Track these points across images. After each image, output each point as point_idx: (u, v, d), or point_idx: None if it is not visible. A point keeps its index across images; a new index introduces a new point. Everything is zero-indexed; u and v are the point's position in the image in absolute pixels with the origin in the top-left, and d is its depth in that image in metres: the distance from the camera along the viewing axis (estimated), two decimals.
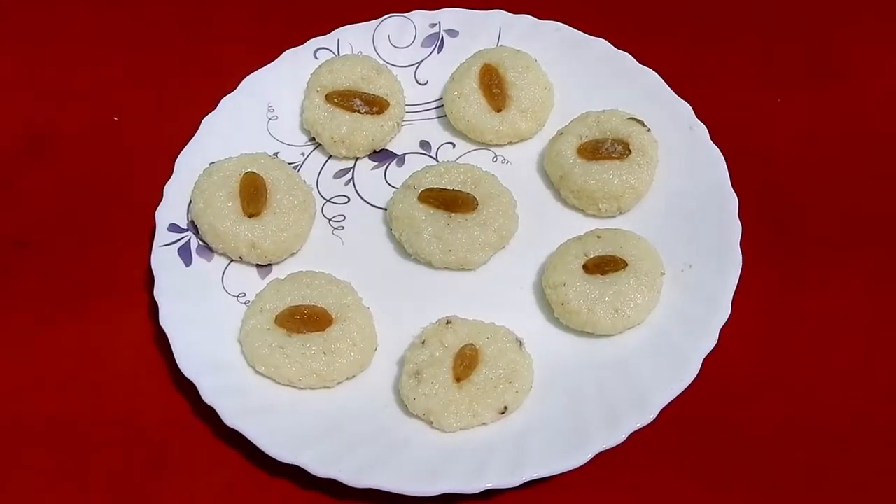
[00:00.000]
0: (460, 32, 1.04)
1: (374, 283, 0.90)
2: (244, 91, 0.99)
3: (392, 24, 1.04)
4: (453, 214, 0.90)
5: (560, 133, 0.95)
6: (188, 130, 0.96)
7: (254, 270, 0.92)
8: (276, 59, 1.01)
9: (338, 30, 1.03)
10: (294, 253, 0.92)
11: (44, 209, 0.98)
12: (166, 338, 0.84)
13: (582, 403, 0.80)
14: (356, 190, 0.97)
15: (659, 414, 0.78)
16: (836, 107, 1.02)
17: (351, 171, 0.98)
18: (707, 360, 0.81)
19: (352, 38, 1.03)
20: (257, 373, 0.84)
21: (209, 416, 0.82)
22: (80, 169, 1.01)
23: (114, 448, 0.84)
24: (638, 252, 0.86)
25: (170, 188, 0.93)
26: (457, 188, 0.92)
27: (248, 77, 1.00)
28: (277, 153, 0.98)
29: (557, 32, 1.02)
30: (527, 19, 1.03)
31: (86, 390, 0.87)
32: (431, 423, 0.81)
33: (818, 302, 0.89)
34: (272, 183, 0.92)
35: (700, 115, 0.94)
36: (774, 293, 0.90)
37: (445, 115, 0.99)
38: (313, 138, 0.99)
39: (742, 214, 0.88)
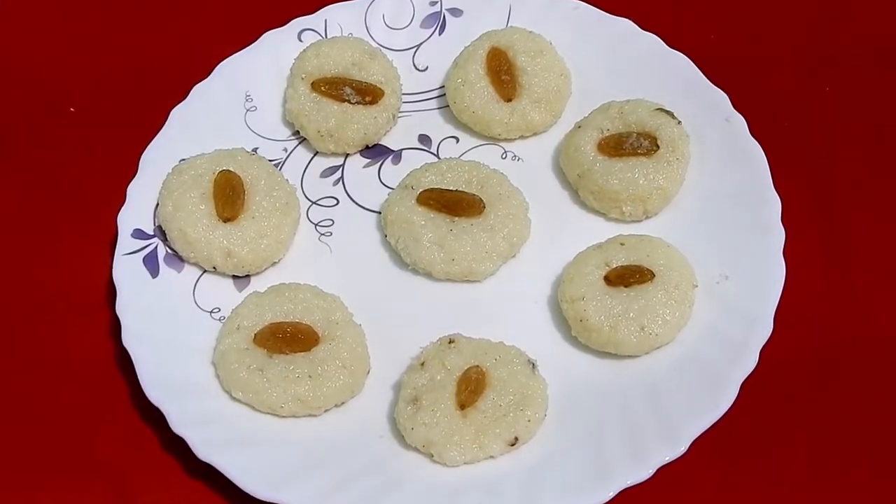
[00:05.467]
0: (465, 11, 1.05)
1: (366, 296, 0.90)
2: (219, 78, 1.00)
3: (387, 1, 1.05)
4: (457, 219, 0.91)
5: (578, 126, 0.96)
6: (155, 123, 0.97)
7: (230, 282, 0.92)
8: (254, 41, 1.02)
9: (325, 8, 1.04)
10: (275, 262, 0.93)
11: None
12: (130, 359, 0.84)
13: (603, 434, 0.81)
14: (346, 191, 0.98)
15: (691, 446, 0.79)
16: (892, 97, 1.03)
17: (340, 170, 0.99)
18: (745, 385, 0.81)
19: (341, 17, 1.04)
20: (234, 399, 0.85)
21: (179, 448, 0.82)
22: (31, 167, 1.01)
23: (69, 486, 0.84)
24: (667, 262, 0.87)
25: (134, 189, 0.93)
26: (461, 189, 0.92)
27: (222, 62, 1.01)
28: (256, 149, 0.98)
29: (575, 11, 1.03)
30: None
31: (37, 419, 0.87)
32: (432, 455, 0.81)
33: (870, 319, 0.90)
34: (250, 183, 0.92)
35: (737, 105, 0.95)
36: (822, 309, 0.90)
37: (448, 106, 1.00)
38: (297, 132, 1.00)
39: (785, 219, 0.88)
